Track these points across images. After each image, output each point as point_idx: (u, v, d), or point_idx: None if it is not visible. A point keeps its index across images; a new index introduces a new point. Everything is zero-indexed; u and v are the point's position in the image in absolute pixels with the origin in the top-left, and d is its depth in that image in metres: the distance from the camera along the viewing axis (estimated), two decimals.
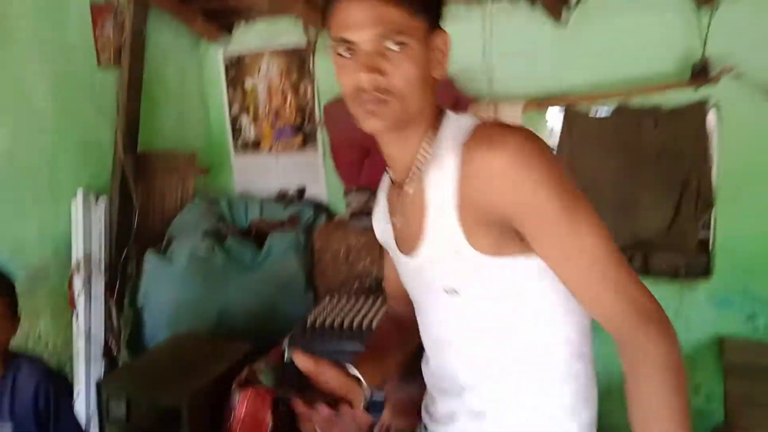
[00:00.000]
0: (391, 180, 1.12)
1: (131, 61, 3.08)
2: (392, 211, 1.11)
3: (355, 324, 2.29)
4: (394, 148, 1.03)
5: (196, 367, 2.47)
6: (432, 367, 1.15)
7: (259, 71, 3.63)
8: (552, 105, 3.02)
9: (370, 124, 0.95)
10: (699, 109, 2.79)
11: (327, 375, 0.98)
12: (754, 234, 2.82)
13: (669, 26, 2.80)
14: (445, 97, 2.87)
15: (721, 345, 2.80)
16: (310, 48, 3.40)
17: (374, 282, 2.69)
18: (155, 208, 3.27)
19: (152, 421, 2.29)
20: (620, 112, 2.92)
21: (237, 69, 3.68)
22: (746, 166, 2.78)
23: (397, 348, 1.25)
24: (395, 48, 0.90)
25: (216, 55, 3.72)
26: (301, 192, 3.57)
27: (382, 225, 1.18)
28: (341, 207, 3.38)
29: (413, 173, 1.01)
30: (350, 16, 0.90)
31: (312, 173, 3.58)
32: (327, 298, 2.53)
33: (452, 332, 1.05)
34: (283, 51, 3.58)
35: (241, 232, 3.29)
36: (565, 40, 3.01)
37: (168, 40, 3.47)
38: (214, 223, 3.24)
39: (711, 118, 2.81)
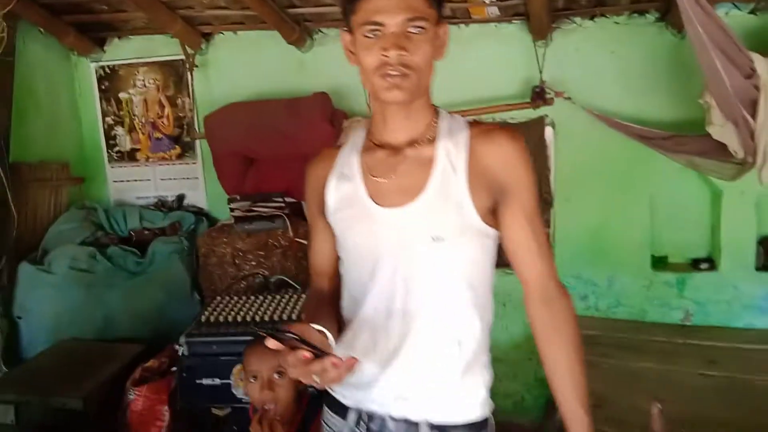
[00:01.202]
0: (376, 144, 1.29)
1: (2, 73, 3.03)
2: (373, 171, 1.26)
3: (248, 318, 2.45)
4: (401, 118, 1.24)
5: (87, 369, 2.50)
6: (374, 324, 1.26)
7: (134, 84, 3.68)
8: None
9: (392, 95, 1.16)
10: (539, 125, 3.29)
11: (307, 337, 1.03)
12: (584, 229, 3.38)
13: (513, 56, 3.29)
14: (323, 110, 3.14)
15: None
16: (189, 64, 3.51)
17: (263, 281, 2.86)
18: (27, 219, 3.19)
19: (44, 424, 2.29)
20: None
21: (111, 81, 3.70)
22: (576, 171, 3.33)
23: (335, 316, 1.33)
24: (416, 31, 1.13)
25: (88, 68, 3.71)
26: (180, 200, 3.65)
27: (344, 185, 1.29)
28: (222, 213, 3.52)
29: (426, 140, 1.24)
30: (382, 2, 1.12)
31: (191, 182, 3.68)
32: (218, 298, 2.66)
33: (424, 277, 1.22)
34: (158, 64, 3.66)
35: (121, 240, 3.31)
36: None
37: (37, 52, 3.43)
38: (92, 232, 3.23)
39: (548, 132, 3.33)
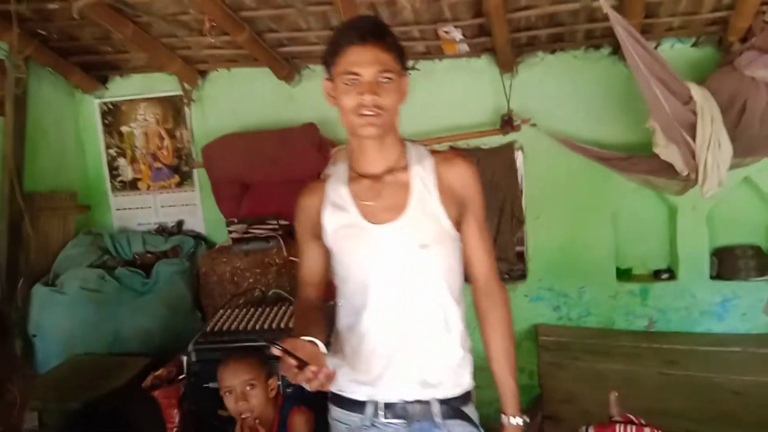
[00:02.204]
0: (359, 174, 1.52)
1: (16, 111, 3.30)
2: (361, 197, 1.50)
3: (249, 327, 2.70)
4: (376, 151, 1.48)
5: (101, 378, 2.72)
6: (377, 324, 1.48)
7: (135, 118, 3.97)
8: None
9: (368, 131, 1.41)
10: (509, 150, 3.62)
11: (298, 349, 1.24)
12: (554, 244, 3.68)
13: (483, 88, 3.63)
14: (312, 139, 3.44)
15: (536, 330, 3.58)
16: (187, 100, 3.81)
17: (260, 295, 3.11)
18: (39, 245, 3.43)
19: None
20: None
21: (114, 116, 3.99)
22: (544, 191, 3.64)
23: (323, 320, 1.51)
24: (385, 80, 1.38)
25: (92, 104, 4.01)
26: (179, 225, 3.92)
27: (339, 213, 1.51)
28: (219, 237, 3.80)
29: (399, 167, 1.50)
30: (359, 57, 1.37)
31: (189, 209, 3.97)
32: (221, 311, 2.90)
33: (415, 278, 1.46)
34: (158, 99, 3.96)
35: (126, 263, 3.56)
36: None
37: (46, 90, 3.73)
38: (99, 256, 3.48)
39: (518, 156, 3.65)
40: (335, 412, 1.58)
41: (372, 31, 1.39)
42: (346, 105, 1.39)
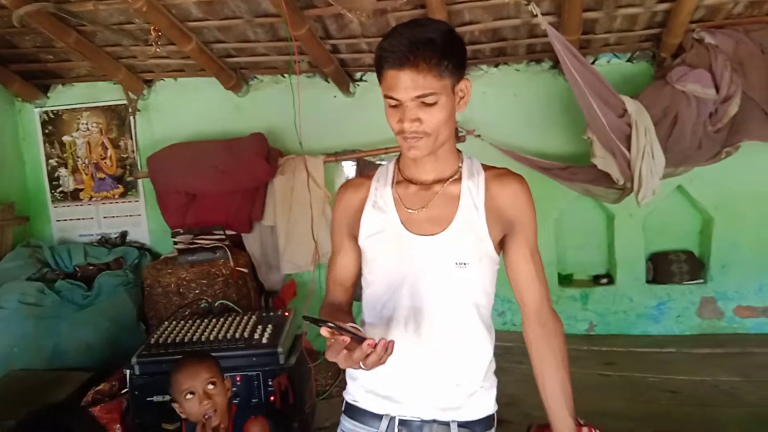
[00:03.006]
0: (406, 179, 1.45)
1: None
2: (405, 203, 1.43)
3: (195, 338, 2.67)
4: (431, 162, 1.40)
5: (39, 394, 2.65)
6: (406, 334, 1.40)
7: (77, 127, 3.88)
8: (346, 158, 3.72)
9: (411, 154, 1.33)
10: None
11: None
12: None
13: None
14: (260, 148, 3.43)
15: None
16: (132, 109, 3.76)
17: (207, 306, 3.08)
18: None
19: None
20: None
21: (54, 125, 3.90)
22: None
23: (352, 320, 1.42)
24: (429, 102, 1.26)
25: (31, 114, 3.91)
26: (123, 236, 3.85)
27: (378, 215, 1.45)
28: (164, 248, 3.74)
29: (452, 179, 1.41)
30: (396, 82, 1.26)
31: (133, 219, 3.91)
32: (166, 323, 2.86)
33: (447, 296, 1.38)
34: (101, 109, 3.89)
35: (67, 275, 3.47)
36: (353, 107, 3.78)
37: None
38: (38, 269, 3.38)
39: None
40: (346, 424, 1.51)
41: (407, 55, 1.25)
42: (391, 125, 1.33)
